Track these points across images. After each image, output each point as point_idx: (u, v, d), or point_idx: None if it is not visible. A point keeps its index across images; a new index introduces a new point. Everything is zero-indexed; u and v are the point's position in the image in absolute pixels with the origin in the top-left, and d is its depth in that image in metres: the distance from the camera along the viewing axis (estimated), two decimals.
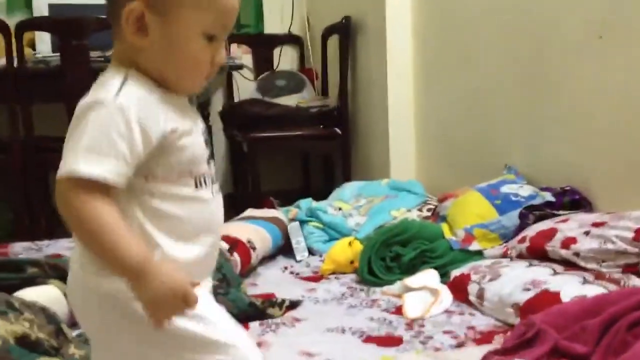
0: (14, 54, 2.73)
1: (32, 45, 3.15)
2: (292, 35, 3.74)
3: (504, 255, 1.88)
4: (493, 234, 2.00)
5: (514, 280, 1.65)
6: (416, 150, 2.93)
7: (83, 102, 0.86)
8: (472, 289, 1.73)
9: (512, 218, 2.00)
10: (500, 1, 2.38)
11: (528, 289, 1.59)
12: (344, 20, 3.15)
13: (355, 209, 2.53)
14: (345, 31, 3.15)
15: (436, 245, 1.98)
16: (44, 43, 3.12)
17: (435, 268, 1.91)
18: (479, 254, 1.97)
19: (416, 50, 2.89)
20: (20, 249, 2.41)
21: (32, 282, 1.63)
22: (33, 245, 2.46)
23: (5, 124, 2.78)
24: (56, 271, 1.65)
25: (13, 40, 2.73)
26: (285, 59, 3.72)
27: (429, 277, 1.85)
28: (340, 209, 2.55)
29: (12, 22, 2.81)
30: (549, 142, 2.17)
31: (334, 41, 3.28)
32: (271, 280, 2.03)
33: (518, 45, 2.28)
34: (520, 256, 1.83)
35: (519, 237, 1.88)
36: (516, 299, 1.58)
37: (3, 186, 3.12)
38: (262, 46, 3.68)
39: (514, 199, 2.05)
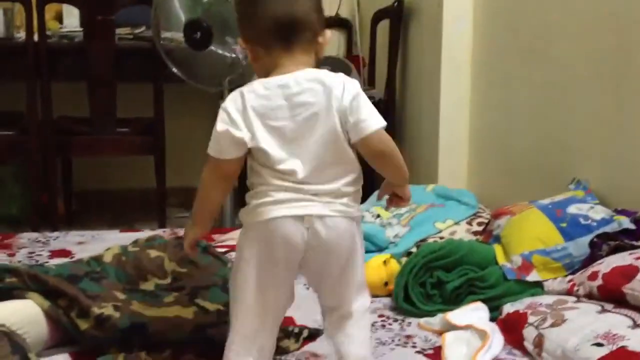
0: (35, 27, 2.53)
1: (61, 19, 2.97)
2: (340, 18, 3.52)
3: (570, 293, 1.57)
4: (556, 263, 1.70)
5: (582, 330, 1.35)
6: (469, 154, 2.63)
7: (353, 82, 1.18)
8: (529, 334, 1.44)
9: (580, 246, 1.69)
10: None
11: (600, 344, 1.29)
12: (396, 4, 2.90)
13: (395, 218, 2.26)
14: (397, 16, 2.90)
15: (487, 273, 1.68)
16: (72, 17, 2.93)
17: (485, 301, 1.63)
18: (538, 287, 1.67)
19: (476, 39, 2.59)
20: (25, 241, 2.22)
21: (8, 293, 1.41)
22: (41, 237, 2.27)
23: (23, 102, 2.60)
24: (36, 283, 1.43)
25: (35, 12, 2.54)
26: (331, 43, 3.40)
27: (476, 312, 1.57)
28: (378, 216, 2.28)
29: None
30: (630, 153, 1.84)
31: (384, 26, 3.03)
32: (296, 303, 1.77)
33: (598, 34, 1.95)
34: (589, 296, 1.52)
35: (589, 271, 1.57)
36: (584, 355, 1.29)
37: (21, 167, 2.96)
38: None
39: (583, 222, 1.74)
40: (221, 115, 1.16)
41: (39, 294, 1.40)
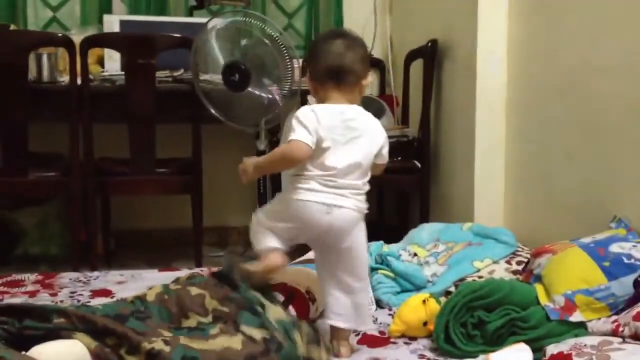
0: (78, 71, 2.60)
1: (102, 63, 3.05)
2: (374, 58, 3.52)
3: (614, 333, 1.54)
4: (600, 303, 1.66)
5: None
6: (505, 192, 2.61)
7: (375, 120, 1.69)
8: None
9: (624, 285, 1.66)
10: (617, 18, 2.04)
11: None
12: (429, 44, 2.91)
13: (432, 256, 2.24)
14: (430, 56, 2.91)
15: (529, 313, 1.66)
16: (113, 61, 3.00)
17: (527, 341, 1.59)
18: (581, 327, 1.63)
19: (510, 78, 2.59)
20: (67, 281, 2.26)
21: (56, 334, 1.43)
22: (82, 277, 2.31)
23: (65, 144, 2.66)
24: (84, 323, 1.44)
25: (78, 57, 2.61)
26: None
27: (519, 353, 1.53)
28: (415, 254, 2.27)
29: (83, 37, 2.70)
30: None
31: (417, 66, 3.04)
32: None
33: (636, 71, 1.95)
34: (635, 337, 1.49)
35: (634, 311, 1.54)
36: None
37: (61, 207, 3.01)
38: None
39: (626, 261, 1.71)
40: (297, 121, 1.60)
41: (85, 334, 1.42)
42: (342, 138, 1.60)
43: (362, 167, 1.62)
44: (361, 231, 1.67)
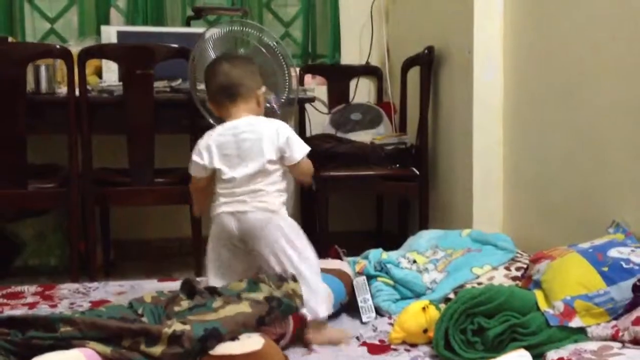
0: (76, 82, 2.61)
1: (100, 74, 3.05)
2: (370, 66, 3.56)
3: (614, 338, 1.55)
4: (599, 308, 1.67)
5: None
6: (504, 197, 2.61)
7: (284, 126, 1.85)
8: None
9: (623, 290, 1.66)
10: (614, 27, 2.05)
11: None
12: (426, 51, 2.92)
13: (431, 263, 2.24)
14: (427, 63, 2.92)
15: (529, 319, 1.66)
16: (110, 71, 3.01)
17: (527, 347, 1.59)
18: (581, 333, 1.64)
19: (508, 84, 2.60)
20: (66, 292, 2.26)
21: (67, 343, 1.43)
22: (81, 288, 2.32)
23: (64, 155, 2.66)
24: (95, 330, 1.44)
25: (76, 68, 2.62)
26: (362, 91, 3.52)
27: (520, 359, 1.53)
28: (414, 261, 2.26)
29: (81, 49, 2.71)
30: None
31: (414, 73, 3.05)
32: (329, 347, 1.77)
33: (633, 77, 1.95)
34: (635, 341, 1.49)
35: (633, 316, 1.55)
36: None
37: (61, 218, 3.01)
38: (338, 77, 3.49)
39: (625, 266, 1.71)
40: (194, 155, 1.86)
41: (98, 341, 1.42)
42: (235, 152, 1.81)
43: (263, 172, 1.80)
44: (278, 229, 1.80)
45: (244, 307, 1.56)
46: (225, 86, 1.86)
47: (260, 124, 1.84)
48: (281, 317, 1.63)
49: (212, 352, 1.44)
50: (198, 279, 2.40)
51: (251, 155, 1.80)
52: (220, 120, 1.92)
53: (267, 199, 1.80)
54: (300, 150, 1.83)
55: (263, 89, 1.91)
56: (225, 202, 1.82)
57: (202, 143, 1.86)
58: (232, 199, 1.81)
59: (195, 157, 1.86)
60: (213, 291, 1.72)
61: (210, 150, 1.83)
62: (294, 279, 1.75)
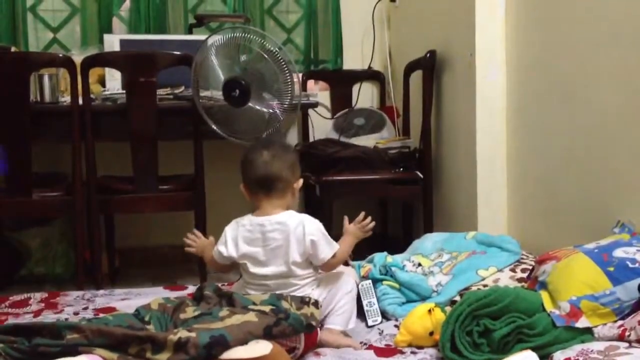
0: (79, 90, 2.62)
1: (103, 82, 3.07)
2: (373, 70, 3.57)
3: (621, 338, 1.54)
4: (605, 308, 1.66)
5: None
6: (508, 199, 2.61)
7: (311, 224, 1.80)
8: None
9: (629, 290, 1.65)
10: (615, 23, 2.05)
11: None
12: (428, 55, 2.92)
13: (436, 266, 2.24)
14: (429, 66, 2.93)
15: (535, 320, 1.65)
16: (114, 80, 3.02)
17: (534, 348, 1.58)
18: (587, 333, 1.63)
19: (510, 86, 2.60)
20: (71, 299, 2.26)
21: (74, 350, 1.43)
22: (86, 295, 2.30)
23: (68, 163, 2.67)
24: (101, 337, 1.44)
25: (79, 76, 2.63)
26: (364, 95, 3.52)
27: None
28: (419, 264, 2.26)
29: (84, 57, 2.72)
30: None
31: (417, 77, 3.05)
32: (337, 351, 1.76)
33: (636, 75, 1.95)
34: None
35: (639, 316, 1.54)
36: None
37: (65, 226, 3.02)
38: (341, 82, 3.51)
39: (630, 265, 1.71)
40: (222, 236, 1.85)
41: (104, 348, 1.42)
42: (261, 250, 1.78)
43: (292, 272, 1.77)
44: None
45: (250, 317, 1.56)
46: (263, 179, 1.79)
47: (288, 223, 1.78)
48: (291, 331, 1.60)
49: (220, 357, 1.44)
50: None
51: (277, 257, 1.77)
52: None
53: (302, 290, 1.79)
54: (325, 252, 1.78)
55: (300, 181, 1.86)
56: (256, 289, 1.79)
57: (229, 233, 1.82)
58: (265, 289, 1.78)
59: (220, 247, 1.83)
60: (225, 296, 1.72)
61: (237, 243, 1.80)
62: (316, 305, 1.73)
